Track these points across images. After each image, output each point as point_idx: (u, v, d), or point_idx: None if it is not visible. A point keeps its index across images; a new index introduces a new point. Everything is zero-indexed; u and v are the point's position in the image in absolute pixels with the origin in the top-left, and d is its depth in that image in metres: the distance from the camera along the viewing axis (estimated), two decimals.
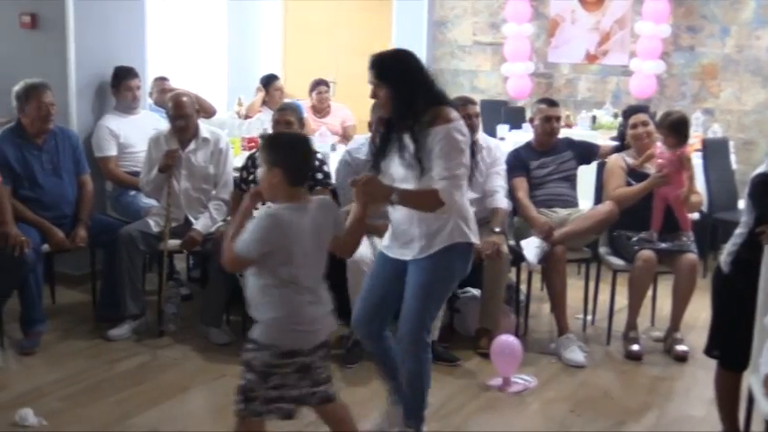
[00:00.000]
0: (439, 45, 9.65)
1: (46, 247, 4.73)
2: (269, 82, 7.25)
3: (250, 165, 4.85)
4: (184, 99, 4.94)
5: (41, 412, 3.77)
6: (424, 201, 3.20)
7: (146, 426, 3.74)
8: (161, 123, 5.71)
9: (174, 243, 4.86)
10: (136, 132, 5.59)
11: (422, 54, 9.33)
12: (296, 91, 8.41)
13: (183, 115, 4.88)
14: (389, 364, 3.57)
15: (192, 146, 4.93)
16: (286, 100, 6.88)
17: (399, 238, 3.41)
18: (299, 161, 2.96)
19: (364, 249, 4.46)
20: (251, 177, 4.79)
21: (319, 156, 4.87)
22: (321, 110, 7.18)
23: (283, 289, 2.90)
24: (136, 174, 5.37)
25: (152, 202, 5.18)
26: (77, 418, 3.80)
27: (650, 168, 4.82)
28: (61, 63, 5.50)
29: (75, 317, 5.08)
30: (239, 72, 9.27)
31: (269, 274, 2.91)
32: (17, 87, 4.81)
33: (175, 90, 6.55)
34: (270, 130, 5.66)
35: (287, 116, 4.78)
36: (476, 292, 5.08)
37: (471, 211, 3.43)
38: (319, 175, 4.76)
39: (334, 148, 6.04)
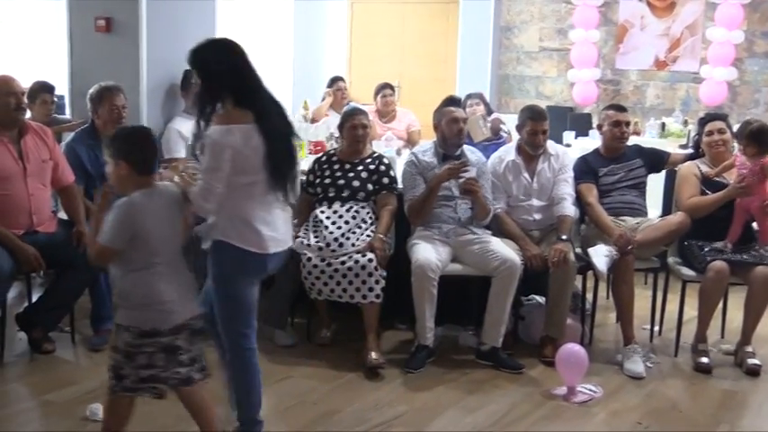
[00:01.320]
0: (505, 50, 9.59)
1: None
2: (332, 82, 7.31)
3: (317, 168, 4.88)
4: None
5: None
6: (185, 191, 3.24)
7: None
8: None
9: None
10: None
11: (487, 59, 9.39)
12: (361, 95, 8.43)
13: None
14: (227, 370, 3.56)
15: None
16: (352, 104, 6.90)
17: None
18: (143, 151, 3.14)
19: (430, 254, 4.45)
20: (317, 181, 4.82)
21: (385, 161, 4.89)
22: (386, 114, 7.18)
23: (141, 271, 3.09)
24: None
25: None
26: (143, 416, 3.80)
27: (729, 178, 4.71)
28: (134, 66, 5.63)
29: None
30: (304, 76, 9.33)
31: (130, 258, 3.10)
32: (91, 90, 4.92)
33: None
34: (337, 134, 5.69)
35: (363, 120, 4.86)
36: (540, 299, 5.04)
37: (261, 217, 3.29)
38: (385, 180, 4.78)
39: (399, 152, 6.03)
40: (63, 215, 4.71)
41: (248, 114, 3.21)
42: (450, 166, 4.53)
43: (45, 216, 4.52)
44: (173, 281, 3.16)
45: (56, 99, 6.06)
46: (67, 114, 6.37)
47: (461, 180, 4.54)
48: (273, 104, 3.34)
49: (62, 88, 6.21)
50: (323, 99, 7.23)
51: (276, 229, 3.36)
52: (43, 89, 5.88)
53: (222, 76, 3.20)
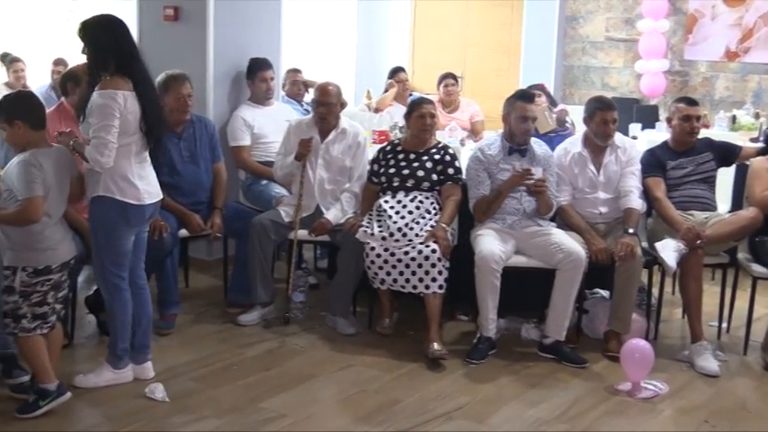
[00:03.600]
0: (570, 41, 9.46)
1: (183, 232, 4.87)
2: (394, 73, 7.28)
3: (381, 158, 4.88)
4: (330, 87, 4.98)
5: (175, 391, 3.93)
6: (81, 150, 3.68)
7: (274, 410, 3.81)
8: (293, 115, 5.81)
9: (303, 233, 4.93)
10: (269, 123, 5.70)
11: (552, 50, 9.28)
12: (424, 85, 8.40)
13: (326, 102, 4.92)
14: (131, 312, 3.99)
15: (331, 136, 4.97)
16: (416, 94, 6.88)
17: None
18: (33, 108, 3.64)
19: (494, 246, 4.42)
20: (382, 170, 4.82)
21: (450, 151, 4.87)
22: (449, 104, 7.14)
23: None
24: (268, 164, 5.49)
25: (283, 191, 5.28)
26: (209, 399, 3.92)
27: None
28: (201, 54, 5.68)
29: (207, 301, 5.24)
30: (367, 66, 9.35)
31: None
32: (158, 78, 4.93)
33: (307, 82, 6.72)
34: (401, 124, 5.68)
35: (431, 109, 4.84)
36: (604, 293, 4.97)
37: (137, 173, 3.79)
38: (450, 171, 4.76)
39: (463, 143, 6.00)
40: None
41: (128, 82, 3.67)
42: (516, 175, 4.49)
43: None
44: (59, 227, 3.68)
45: None
46: None
47: (530, 183, 4.49)
48: (147, 74, 3.80)
49: None
50: (385, 90, 7.21)
51: (149, 183, 3.87)
52: None
53: (106, 47, 3.66)
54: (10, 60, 7.52)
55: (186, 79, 4.94)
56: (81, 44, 3.74)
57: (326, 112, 4.91)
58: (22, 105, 3.64)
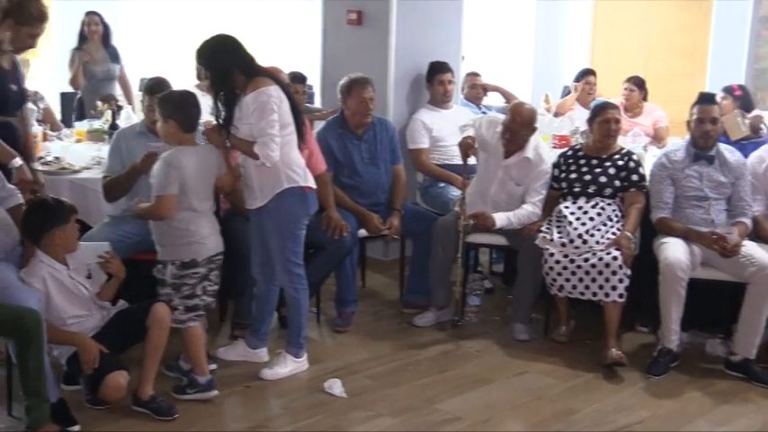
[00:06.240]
0: (764, 42, 8.93)
1: (362, 232, 4.96)
2: (582, 75, 7.12)
3: (562, 163, 4.78)
4: (525, 112, 4.75)
5: (352, 388, 4.01)
6: (246, 149, 3.83)
7: (449, 412, 3.82)
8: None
9: (479, 237, 4.88)
10: (447, 126, 5.70)
11: (743, 52, 8.81)
12: (604, 90, 8.19)
13: (512, 129, 4.71)
14: (270, 306, 4.29)
15: (513, 159, 4.78)
16: (600, 99, 6.71)
17: (246, 189, 4.00)
18: (189, 113, 3.79)
19: (680, 254, 4.25)
20: (563, 176, 4.73)
21: (634, 157, 4.71)
22: (631, 108, 6.91)
23: (180, 214, 3.72)
24: (446, 166, 5.52)
25: (459, 194, 5.28)
26: (385, 397, 3.98)
27: None
28: (382, 57, 5.78)
29: (383, 301, 5.33)
30: (544, 69, 9.23)
31: None
32: (342, 81, 5.08)
33: (486, 85, 6.69)
34: (582, 128, 5.56)
35: (615, 114, 4.72)
36: None
37: (300, 158, 3.99)
38: (634, 177, 4.61)
39: (646, 149, 5.79)
40: None
41: (268, 79, 3.84)
42: (711, 239, 4.28)
43: None
44: (205, 222, 3.82)
45: (306, 89, 6.33)
46: (317, 103, 6.67)
47: (719, 250, 4.27)
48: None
49: (313, 78, 6.49)
50: (568, 93, 7.07)
51: None
52: (296, 79, 6.15)
53: (226, 67, 3.81)
54: None
55: (369, 83, 5.01)
56: (200, 67, 4.00)
57: (511, 138, 4.72)
58: (179, 106, 3.80)
